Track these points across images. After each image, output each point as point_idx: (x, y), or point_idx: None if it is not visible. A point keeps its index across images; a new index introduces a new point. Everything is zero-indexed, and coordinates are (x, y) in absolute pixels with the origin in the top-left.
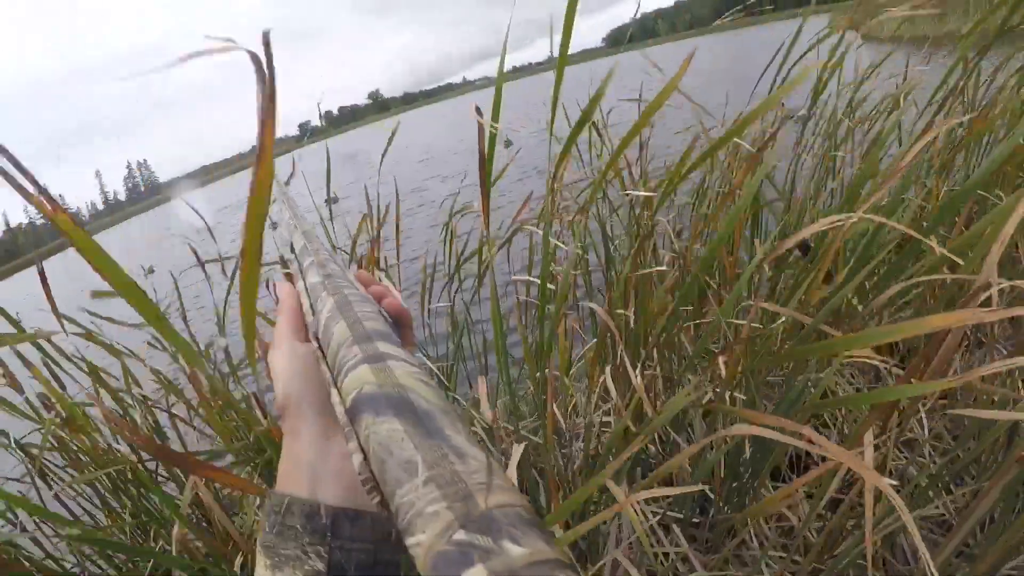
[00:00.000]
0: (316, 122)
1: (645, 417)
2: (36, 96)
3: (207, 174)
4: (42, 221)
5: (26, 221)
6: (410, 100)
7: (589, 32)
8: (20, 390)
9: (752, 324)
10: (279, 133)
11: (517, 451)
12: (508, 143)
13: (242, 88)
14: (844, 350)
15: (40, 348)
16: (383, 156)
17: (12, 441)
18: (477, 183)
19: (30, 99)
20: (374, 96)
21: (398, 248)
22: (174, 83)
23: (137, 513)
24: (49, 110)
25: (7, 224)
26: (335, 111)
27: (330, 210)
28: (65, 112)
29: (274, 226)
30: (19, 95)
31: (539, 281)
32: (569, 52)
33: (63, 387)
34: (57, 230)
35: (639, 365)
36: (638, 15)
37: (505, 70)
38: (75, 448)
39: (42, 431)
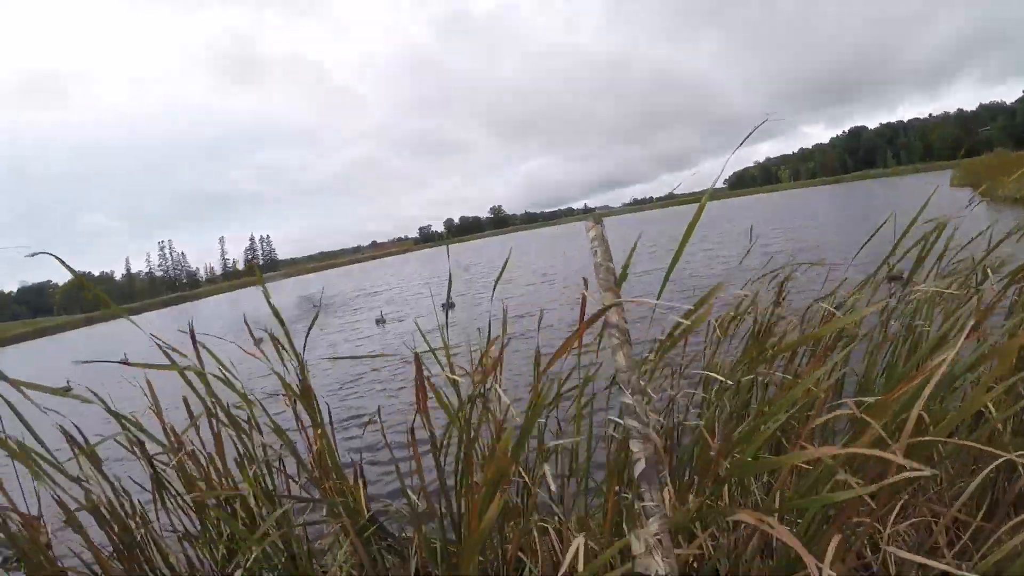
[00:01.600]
0: (436, 228)
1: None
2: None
3: (324, 259)
4: (161, 274)
5: (145, 270)
6: (530, 219)
7: (714, 170)
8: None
9: None
10: (400, 233)
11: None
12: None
13: (369, 189)
14: None
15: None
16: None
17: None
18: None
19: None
20: (496, 211)
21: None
22: (315, 173)
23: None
24: (199, 169)
25: (128, 269)
26: (456, 219)
27: (447, 315)
28: (211, 175)
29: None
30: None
31: None
32: (690, 191)
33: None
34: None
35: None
36: (763, 160)
37: (626, 202)
38: (192, 474)
39: (169, 454)
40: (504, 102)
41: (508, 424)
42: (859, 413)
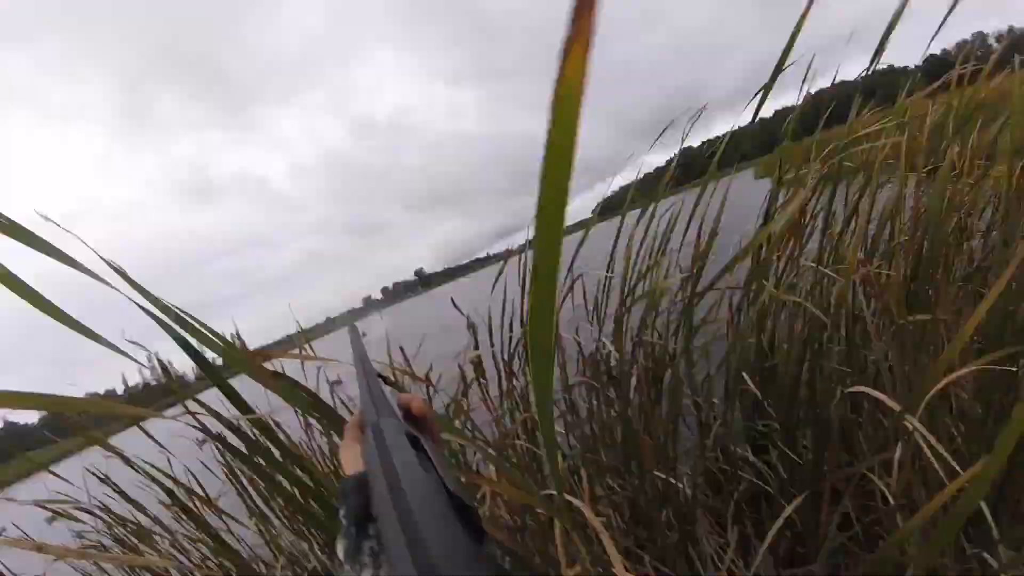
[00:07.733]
0: (376, 295)
1: None
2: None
3: (290, 343)
4: (154, 383)
5: (143, 384)
6: (449, 274)
7: (583, 205)
8: None
9: None
10: (345, 307)
11: None
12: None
13: (318, 274)
14: None
15: None
16: None
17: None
18: None
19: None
20: (419, 273)
21: None
22: (271, 268)
23: None
24: (172, 288)
25: (125, 383)
26: (390, 286)
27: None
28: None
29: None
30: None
31: None
32: (567, 224)
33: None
34: None
35: None
36: (619, 189)
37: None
38: None
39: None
40: (412, 182)
41: None
42: None
